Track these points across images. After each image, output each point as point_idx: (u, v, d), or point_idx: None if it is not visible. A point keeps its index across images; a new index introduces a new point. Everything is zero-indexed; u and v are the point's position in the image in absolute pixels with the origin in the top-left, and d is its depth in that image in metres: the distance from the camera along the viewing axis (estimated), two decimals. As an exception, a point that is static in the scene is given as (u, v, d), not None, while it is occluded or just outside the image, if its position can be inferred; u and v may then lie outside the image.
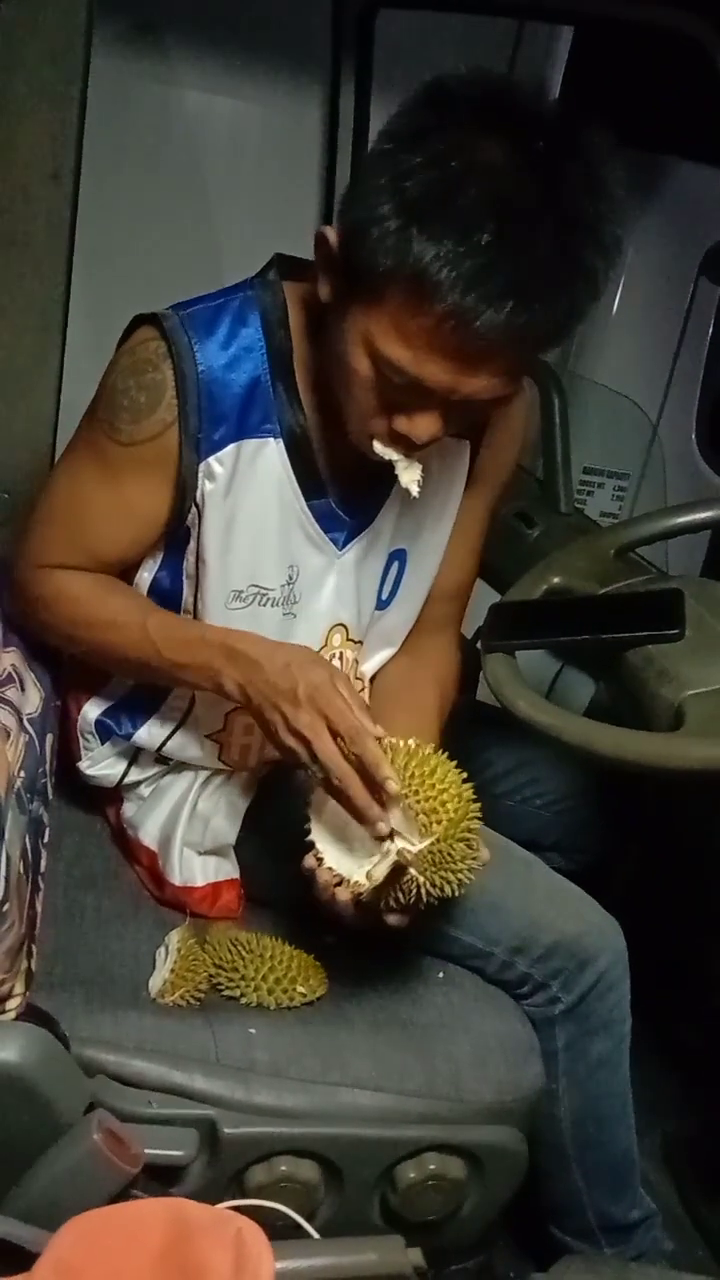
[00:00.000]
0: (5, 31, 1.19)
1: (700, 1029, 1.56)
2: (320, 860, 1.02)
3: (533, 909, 1.15)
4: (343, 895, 1.00)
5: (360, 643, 1.22)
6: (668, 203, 2.44)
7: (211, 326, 1.05)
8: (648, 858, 1.45)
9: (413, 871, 0.97)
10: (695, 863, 1.45)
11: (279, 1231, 0.75)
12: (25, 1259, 0.72)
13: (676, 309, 2.53)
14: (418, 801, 0.98)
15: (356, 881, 1.00)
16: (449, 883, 0.98)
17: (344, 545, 1.15)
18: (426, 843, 0.97)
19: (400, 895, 0.99)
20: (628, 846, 1.42)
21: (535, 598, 1.20)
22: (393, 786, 0.97)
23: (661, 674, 1.04)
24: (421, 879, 0.97)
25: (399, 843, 0.98)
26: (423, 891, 0.98)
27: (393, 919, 1.01)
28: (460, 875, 0.99)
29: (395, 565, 1.22)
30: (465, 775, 1.01)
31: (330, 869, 1.01)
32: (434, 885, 0.98)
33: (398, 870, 0.97)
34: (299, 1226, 0.92)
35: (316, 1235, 0.90)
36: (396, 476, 1.04)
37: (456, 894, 1.00)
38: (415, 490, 1.05)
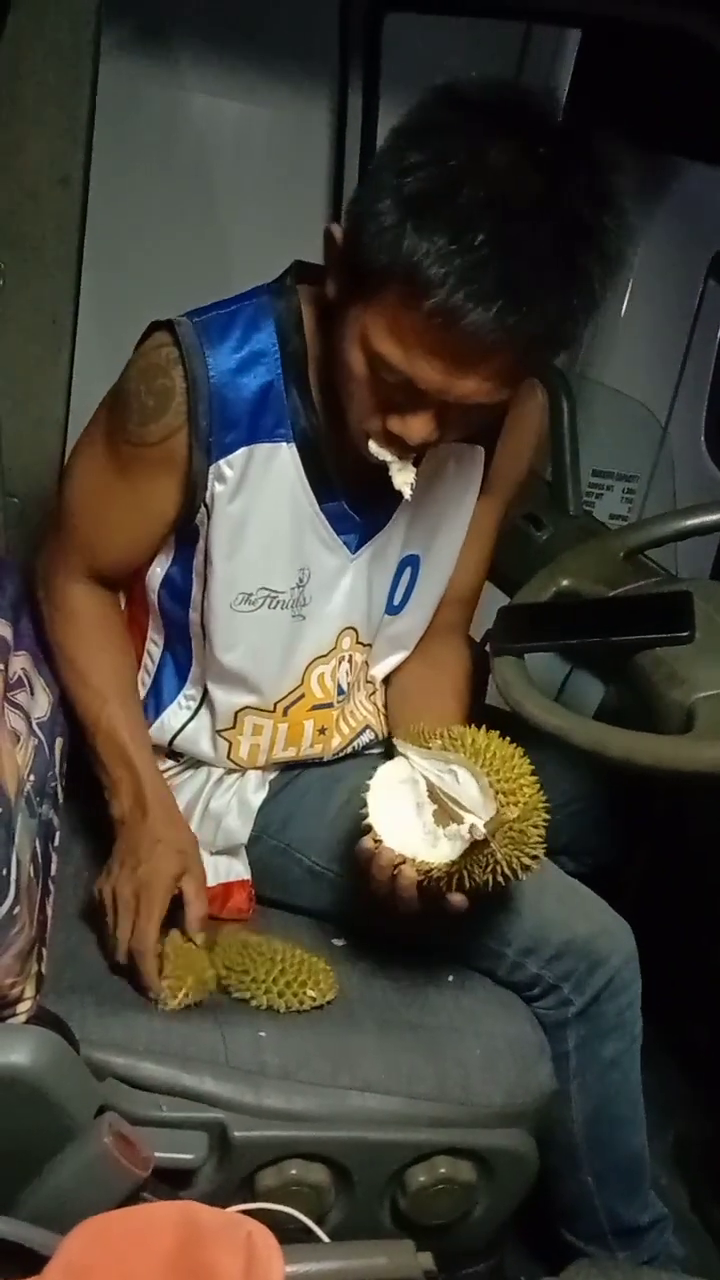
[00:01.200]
0: (14, 36, 1.19)
1: (711, 1031, 1.56)
2: (379, 842, 1.01)
3: (544, 910, 1.15)
4: (408, 873, 1.00)
5: (369, 646, 1.22)
6: (676, 204, 2.43)
7: (225, 333, 1.06)
8: (658, 860, 1.44)
9: (493, 845, 0.97)
10: (706, 865, 1.44)
11: (289, 1235, 0.75)
12: (36, 1262, 0.73)
13: (685, 311, 2.53)
14: (497, 781, 0.98)
15: (423, 860, 0.99)
16: (522, 864, 0.99)
17: (357, 548, 1.15)
18: (514, 813, 0.97)
19: (476, 873, 0.99)
20: (638, 849, 1.42)
21: (544, 600, 1.20)
22: (153, 993, 1.06)
23: (671, 676, 1.04)
24: (500, 854, 0.97)
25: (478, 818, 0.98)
26: (499, 869, 0.98)
27: (456, 898, 1.01)
28: (532, 858, 1.00)
29: (408, 571, 1.22)
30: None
31: (392, 849, 1.01)
32: (509, 864, 0.98)
33: (475, 847, 0.97)
34: (309, 1230, 0.92)
35: (327, 1239, 0.90)
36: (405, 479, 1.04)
37: (523, 878, 1.01)
38: (408, 493, 1.05)
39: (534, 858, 1.01)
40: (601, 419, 2.28)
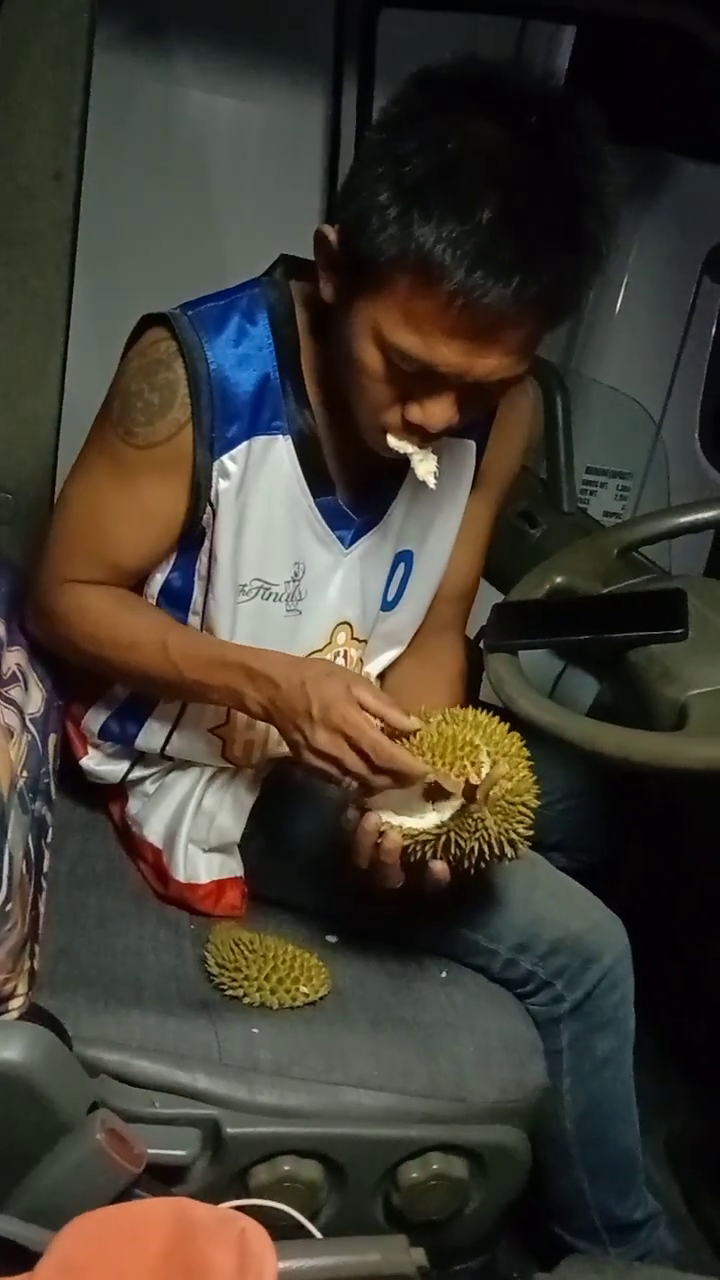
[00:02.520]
0: (8, 32, 1.19)
1: (705, 1028, 1.56)
2: (365, 810, 1.00)
3: (536, 907, 1.15)
4: (393, 838, 0.99)
5: (364, 641, 1.22)
6: (671, 201, 2.44)
7: (221, 325, 1.05)
8: (651, 856, 1.44)
9: (484, 810, 0.96)
10: (699, 861, 1.45)
11: (282, 1231, 0.75)
12: (28, 1258, 0.73)
13: (679, 308, 2.53)
14: (495, 751, 0.99)
15: (409, 827, 0.99)
16: (509, 839, 0.99)
17: (351, 543, 1.15)
18: (508, 783, 0.97)
19: (464, 838, 0.98)
20: (631, 845, 1.42)
21: (538, 597, 1.20)
22: (433, 776, 0.97)
23: (664, 674, 1.04)
24: (490, 820, 0.97)
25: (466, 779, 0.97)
26: (486, 838, 0.97)
27: (438, 866, 1.00)
28: (521, 837, 1.00)
29: (401, 567, 1.22)
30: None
31: (377, 815, 1.00)
32: (498, 836, 0.98)
33: (464, 811, 0.97)
34: (302, 1226, 0.92)
35: (319, 1235, 0.90)
36: (405, 474, 1.04)
37: (510, 857, 1.00)
38: (432, 482, 1.05)
39: (523, 837, 1.00)
40: (596, 416, 2.29)
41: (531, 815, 1.01)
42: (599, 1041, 1.17)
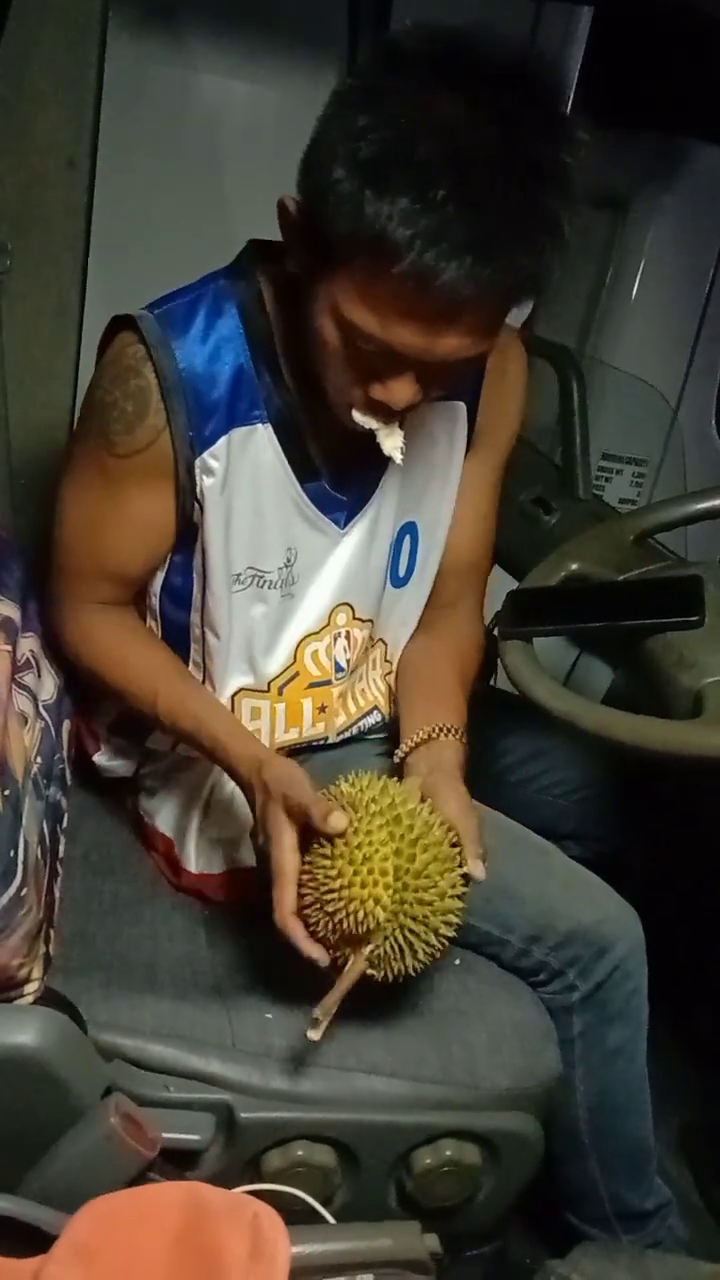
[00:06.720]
0: (21, 18, 1.19)
1: (717, 1018, 1.56)
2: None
3: (549, 896, 1.15)
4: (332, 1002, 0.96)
5: (370, 621, 1.21)
6: (688, 186, 2.41)
7: (188, 321, 1.04)
8: (666, 846, 1.44)
9: (394, 934, 0.93)
10: (714, 851, 1.44)
11: (295, 1216, 0.76)
12: (43, 1241, 0.73)
13: (696, 293, 2.51)
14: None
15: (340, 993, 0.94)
16: (429, 947, 0.95)
17: (345, 524, 1.14)
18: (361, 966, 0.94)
19: (392, 965, 0.96)
20: (646, 834, 1.41)
21: (553, 584, 1.20)
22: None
23: (680, 661, 1.03)
24: (404, 939, 0.94)
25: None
26: (413, 955, 0.95)
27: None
28: (441, 937, 0.96)
29: (408, 539, 1.21)
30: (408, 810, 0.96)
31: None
32: (425, 949, 0.95)
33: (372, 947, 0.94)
34: (315, 1211, 0.93)
35: (332, 1220, 0.90)
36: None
37: (443, 953, 0.98)
38: (399, 457, 1.03)
39: (438, 930, 0.95)
40: (611, 402, 2.27)
41: (449, 905, 0.96)
42: (611, 1032, 1.17)
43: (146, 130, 1.99)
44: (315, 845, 0.95)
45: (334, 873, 0.93)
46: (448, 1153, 1.08)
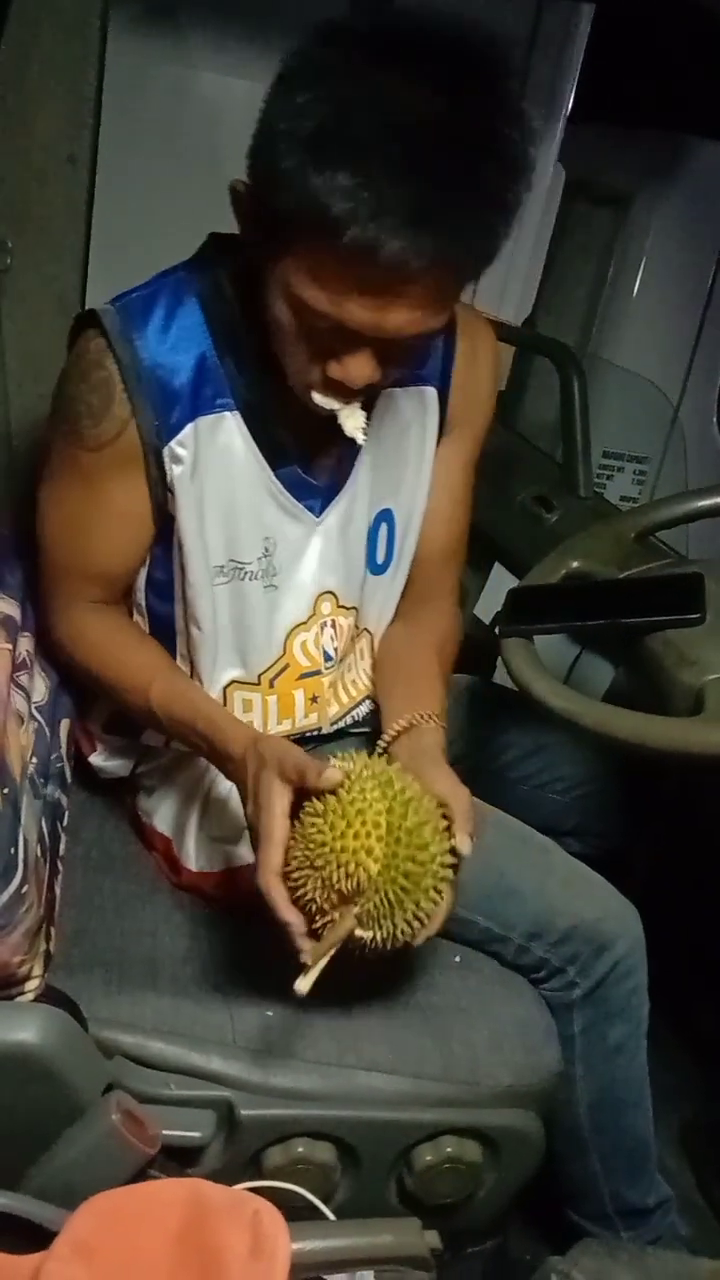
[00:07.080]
0: (21, 14, 1.18)
1: (718, 1015, 1.56)
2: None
3: (550, 894, 1.15)
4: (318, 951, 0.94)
5: (354, 609, 1.21)
6: (689, 182, 2.42)
7: (147, 313, 1.04)
8: (666, 843, 1.44)
9: (359, 931, 0.93)
10: (714, 848, 1.44)
11: (296, 1213, 0.76)
12: (44, 1237, 0.73)
13: (698, 291, 2.51)
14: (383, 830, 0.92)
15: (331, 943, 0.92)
16: (416, 917, 0.94)
17: (321, 511, 1.14)
18: (349, 923, 0.92)
19: (380, 934, 0.94)
20: (646, 832, 1.41)
21: (554, 582, 1.20)
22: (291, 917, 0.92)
23: (681, 658, 1.03)
24: (387, 907, 0.92)
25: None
26: (393, 925, 0.94)
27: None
28: (430, 901, 0.94)
29: (385, 526, 1.20)
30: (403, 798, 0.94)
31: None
32: (407, 918, 0.94)
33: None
34: (316, 1208, 0.93)
35: (333, 1217, 0.90)
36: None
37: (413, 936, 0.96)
38: (360, 437, 1.03)
39: (423, 904, 0.94)
40: (613, 399, 2.27)
41: (440, 871, 0.95)
42: (612, 1028, 1.17)
43: (147, 128, 1.99)
44: (306, 811, 0.95)
45: (326, 826, 0.92)
46: (448, 1150, 1.08)
